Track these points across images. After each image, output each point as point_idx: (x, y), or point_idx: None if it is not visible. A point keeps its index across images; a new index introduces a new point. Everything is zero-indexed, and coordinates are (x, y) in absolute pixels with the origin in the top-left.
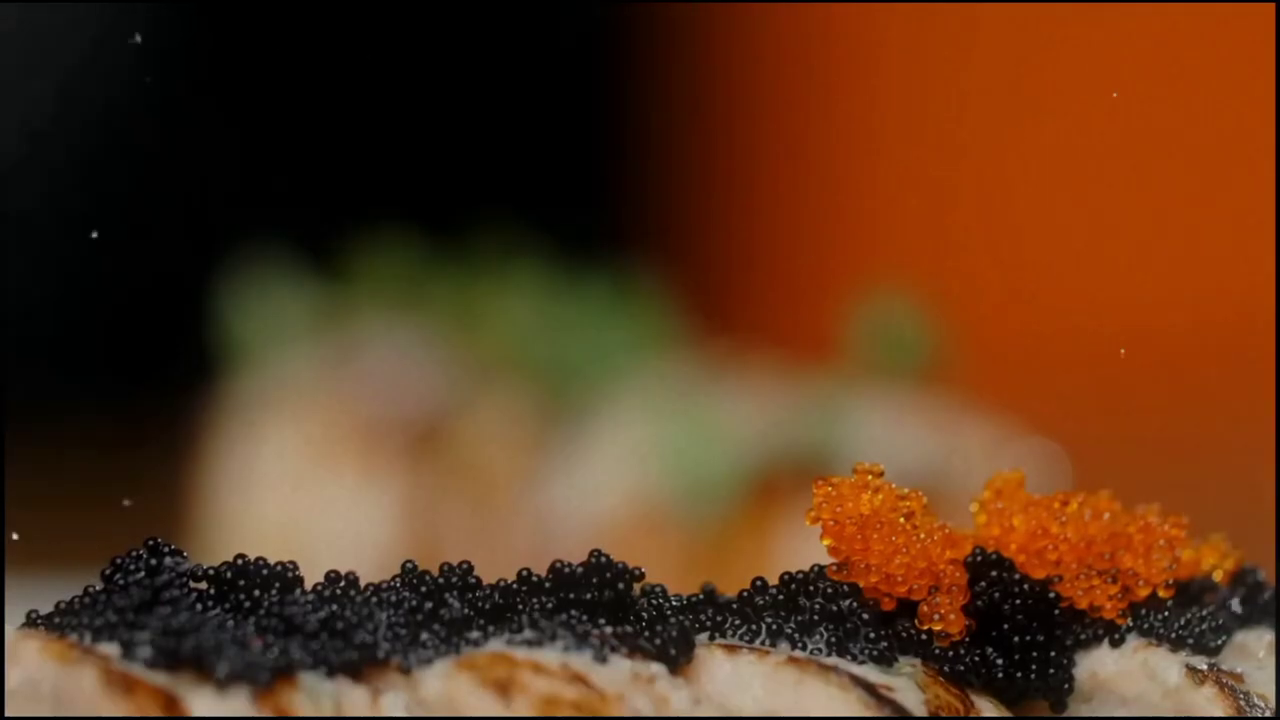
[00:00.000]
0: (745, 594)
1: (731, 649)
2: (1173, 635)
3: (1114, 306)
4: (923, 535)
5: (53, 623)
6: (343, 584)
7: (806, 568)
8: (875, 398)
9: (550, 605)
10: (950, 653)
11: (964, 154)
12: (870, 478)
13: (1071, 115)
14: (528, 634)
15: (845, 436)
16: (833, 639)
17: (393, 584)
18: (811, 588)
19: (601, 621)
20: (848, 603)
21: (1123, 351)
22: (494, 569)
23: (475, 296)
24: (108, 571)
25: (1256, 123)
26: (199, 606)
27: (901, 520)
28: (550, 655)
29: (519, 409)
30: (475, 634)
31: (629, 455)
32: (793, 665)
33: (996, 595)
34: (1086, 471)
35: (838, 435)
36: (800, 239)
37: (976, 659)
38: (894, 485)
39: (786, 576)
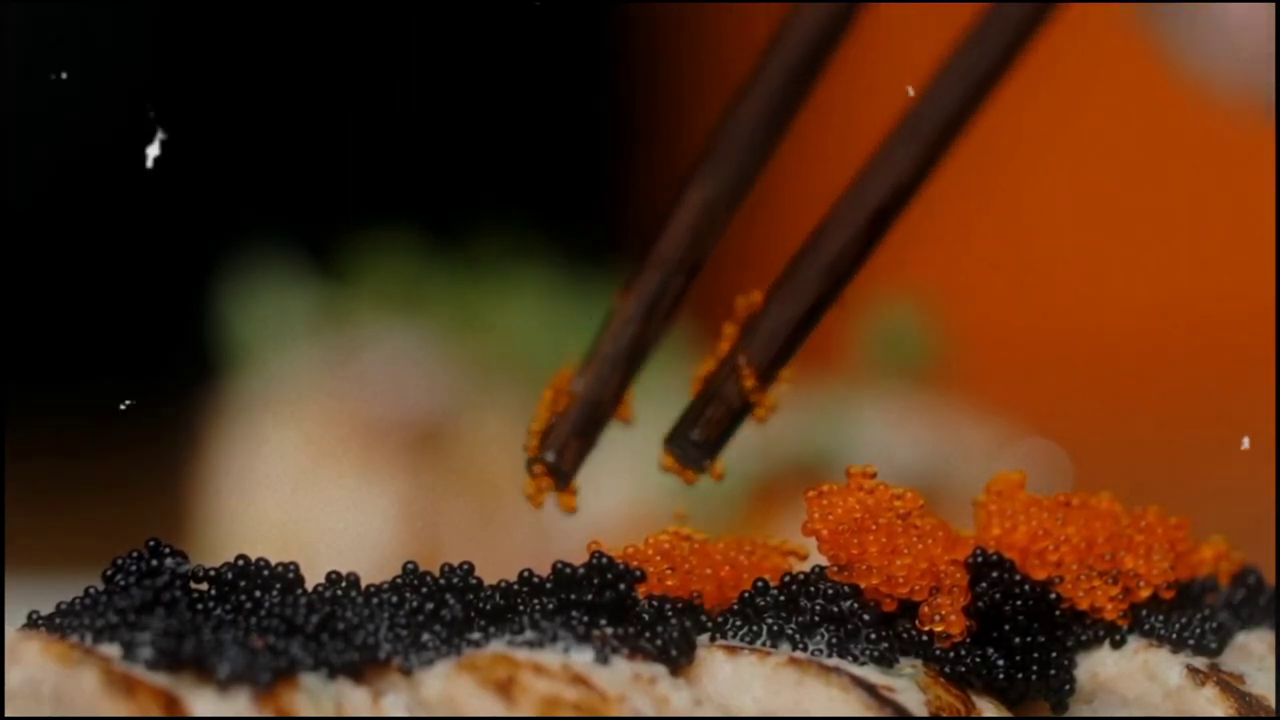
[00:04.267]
0: (746, 595)
1: (732, 650)
2: (1173, 636)
3: (1114, 306)
4: (921, 534)
5: (54, 623)
6: (343, 585)
7: (807, 569)
8: (876, 398)
9: (551, 606)
10: (951, 654)
11: (964, 154)
12: (863, 479)
13: (1073, 114)
14: (529, 635)
15: (846, 437)
16: (834, 640)
17: (394, 585)
18: (812, 589)
19: (602, 622)
20: (849, 604)
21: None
22: (495, 570)
23: (477, 298)
24: (108, 572)
25: (1256, 121)
26: (200, 607)
27: (898, 521)
28: (551, 656)
29: (521, 410)
30: (476, 635)
31: (630, 456)
32: (793, 666)
33: (997, 596)
34: (1086, 471)
35: (839, 436)
36: (801, 240)
37: (977, 660)
38: (888, 485)
39: (787, 577)
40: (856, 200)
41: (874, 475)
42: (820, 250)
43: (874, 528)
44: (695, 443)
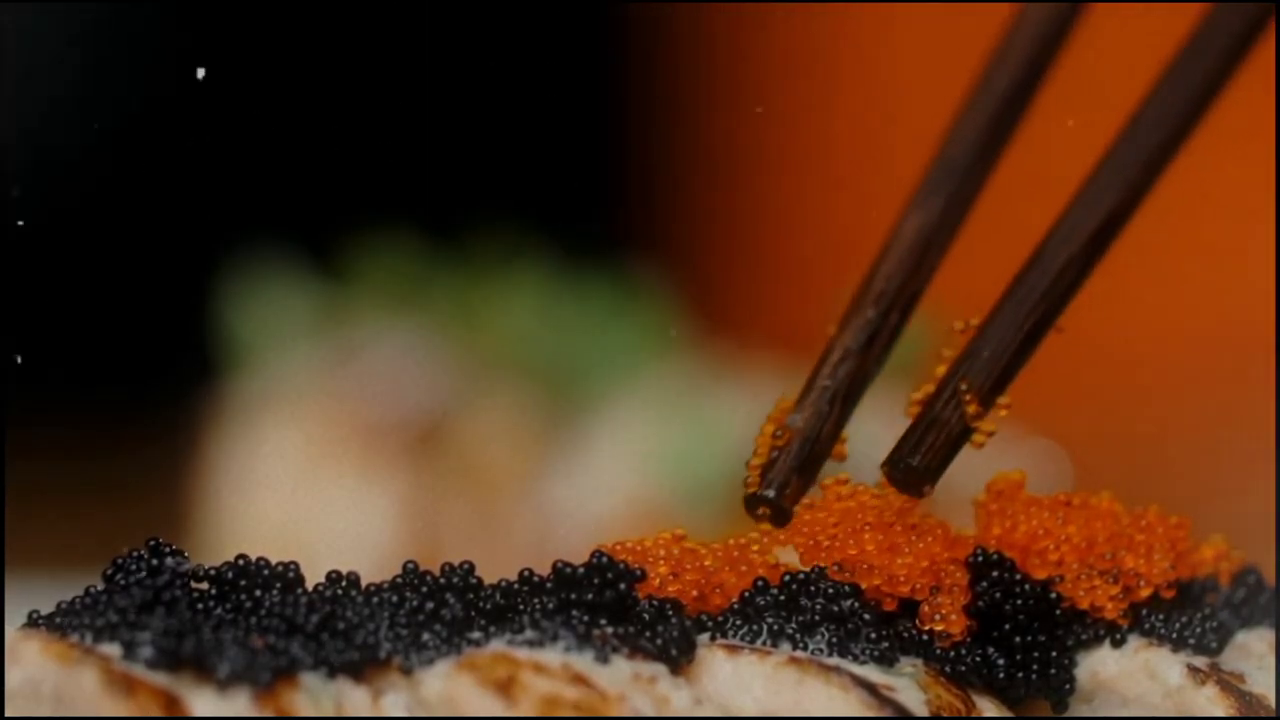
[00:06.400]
0: (746, 594)
1: (732, 649)
2: (1173, 635)
3: (1115, 306)
4: (922, 534)
5: (54, 623)
6: (344, 584)
7: (807, 568)
8: (876, 398)
9: (551, 605)
10: (951, 653)
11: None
12: (838, 488)
13: (1072, 114)
14: (529, 634)
15: (846, 436)
16: (834, 639)
17: (394, 584)
18: (813, 588)
19: (603, 622)
20: (849, 603)
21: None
22: (495, 569)
23: (476, 297)
24: (109, 572)
25: (1256, 122)
26: (200, 607)
27: (897, 520)
28: (551, 655)
29: (520, 409)
30: (476, 634)
31: (630, 456)
32: (793, 665)
33: (998, 595)
34: (1086, 471)
35: None
36: (801, 240)
37: (978, 659)
38: (867, 486)
39: (788, 577)
40: (1075, 222)
41: (847, 481)
42: (1039, 274)
43: (855, 530)
44: (915, 468)
